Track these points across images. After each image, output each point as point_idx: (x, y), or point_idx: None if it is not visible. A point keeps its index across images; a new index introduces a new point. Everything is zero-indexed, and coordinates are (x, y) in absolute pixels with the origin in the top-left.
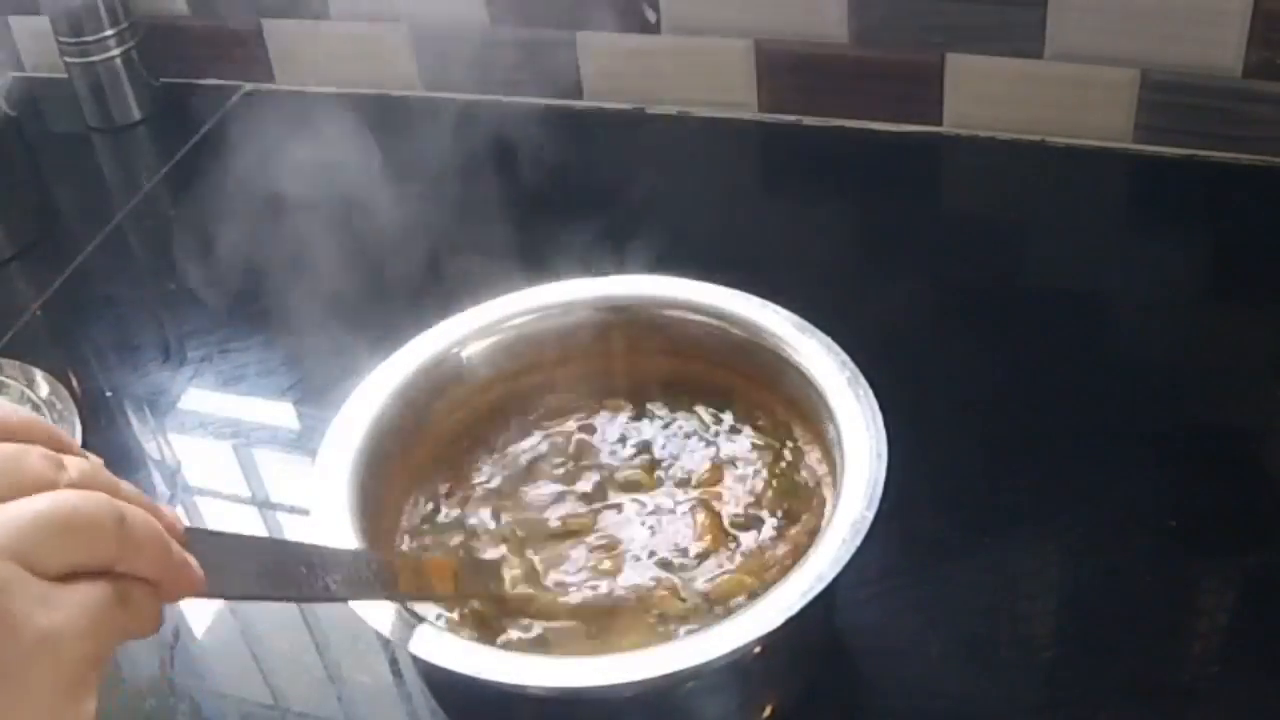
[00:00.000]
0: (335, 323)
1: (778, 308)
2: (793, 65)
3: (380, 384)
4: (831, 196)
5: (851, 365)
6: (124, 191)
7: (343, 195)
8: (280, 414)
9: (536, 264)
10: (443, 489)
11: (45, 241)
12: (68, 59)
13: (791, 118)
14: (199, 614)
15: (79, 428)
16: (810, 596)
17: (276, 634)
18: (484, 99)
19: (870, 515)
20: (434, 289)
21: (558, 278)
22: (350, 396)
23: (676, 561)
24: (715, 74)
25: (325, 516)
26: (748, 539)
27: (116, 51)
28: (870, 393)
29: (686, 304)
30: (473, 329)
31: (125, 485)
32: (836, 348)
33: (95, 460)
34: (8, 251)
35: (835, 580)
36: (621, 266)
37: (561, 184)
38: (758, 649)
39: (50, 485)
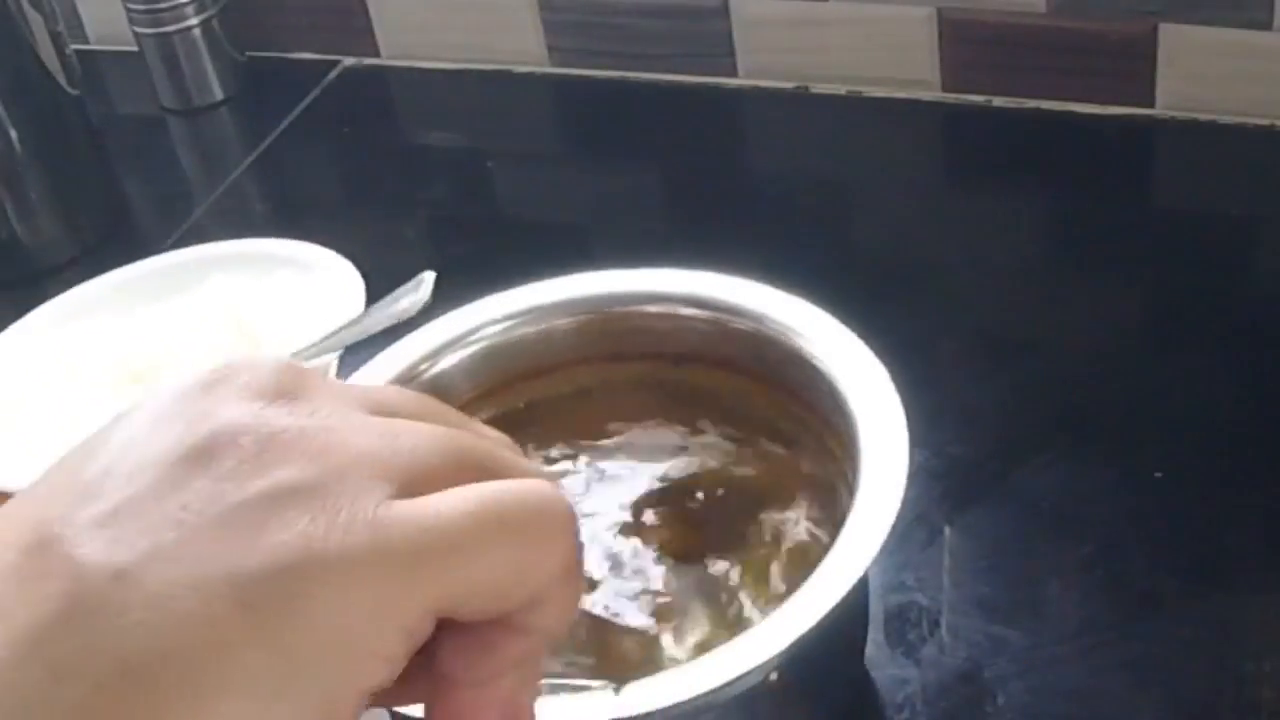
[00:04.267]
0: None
1: (818, 311)
2: (981, 37)
3: None
4: (1025, 189)
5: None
6: (204, 182)
7: (456, 183)
8: None
9: (664, 263)
10: None
11: (113, 239)
12: (138, 29)
13: (979, 98)
14: None
15: None
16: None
17: None
18: (621, 76)
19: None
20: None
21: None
22: None
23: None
24: (891, 48)
25: None
26: None
27: (195, 21)
28: (888, 380)
29: (708, 303)
30: (443, 340)
31: None
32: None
33: None
34: (71, 250)
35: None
36: (772, 273)
37: (709, 174)
38: (774, 675)
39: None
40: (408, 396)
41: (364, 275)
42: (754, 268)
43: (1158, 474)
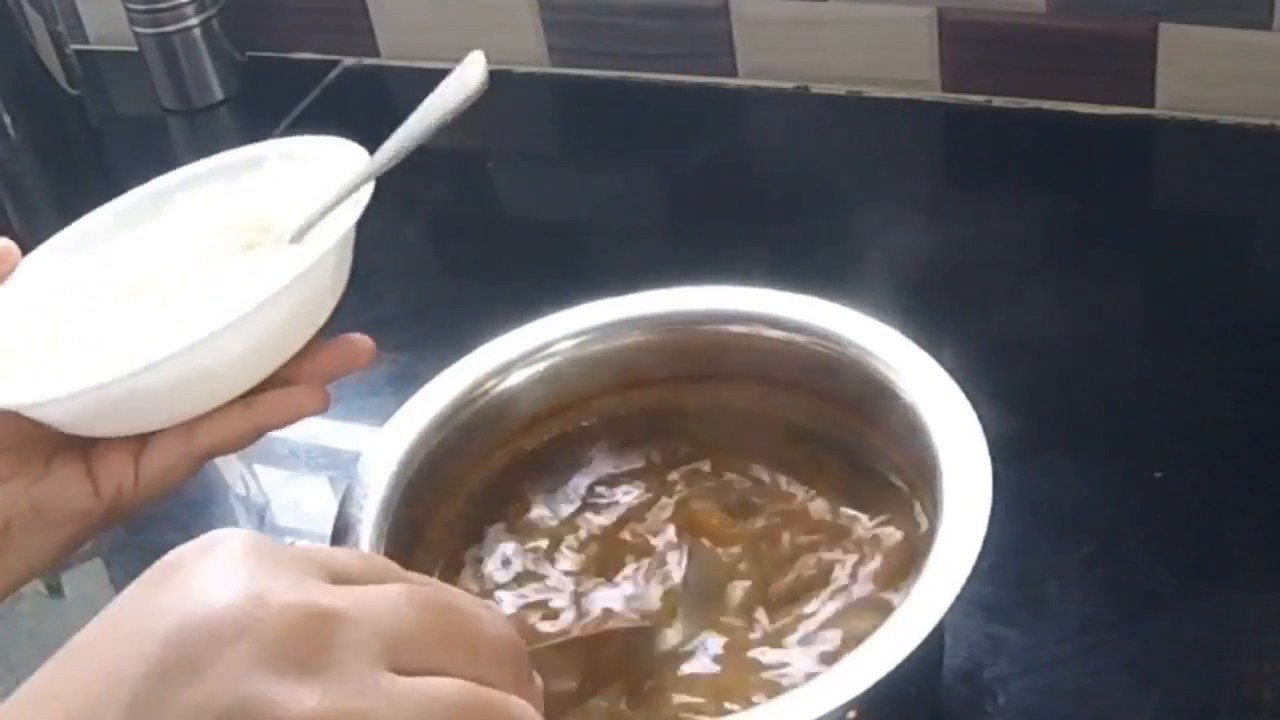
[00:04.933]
0: (426, 335)
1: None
2: (981, 37)
3: (406, 424)
4: (1025, 189)
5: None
6: None
7: (456, 186)
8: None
9: (671, 271)
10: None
11: None
12: (138, 29)
13: (979, 98)
14: None
15: None
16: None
17: None
18: (621, 76)
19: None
20: (541, 294)
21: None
22: (373, 439)
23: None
24: (891, 48)
25: None
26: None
27: (195, 21)
28: (974, 418)
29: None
30: (513, 357)
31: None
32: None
33: None
34: None
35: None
36: (772, 272)
37: (709, 174)
38: (851, 714)
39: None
40: (363, 561)
41: (364, 275)
42: (754, 267)
43: (1158, 474)
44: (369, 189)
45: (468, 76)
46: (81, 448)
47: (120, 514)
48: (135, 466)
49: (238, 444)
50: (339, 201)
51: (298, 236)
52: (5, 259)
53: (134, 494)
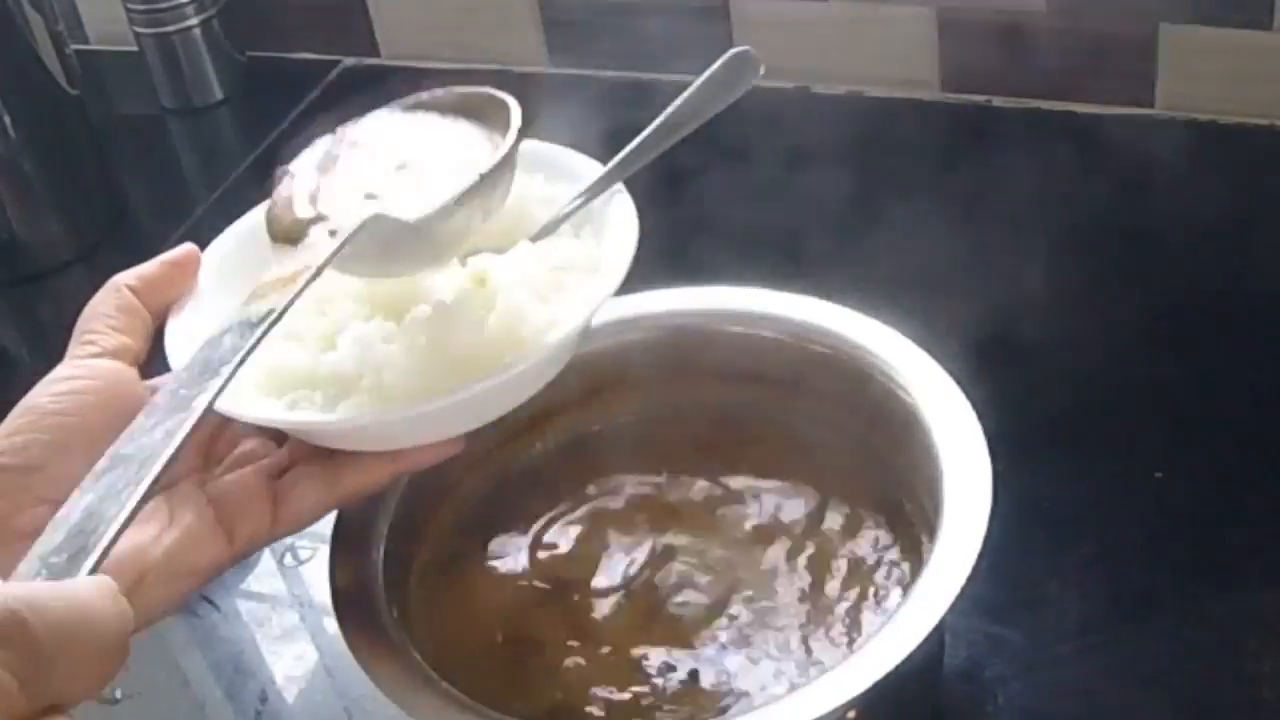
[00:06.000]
0: None
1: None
2: (981, 37)
3: None
4: (1025, 190)
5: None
6: (204, 182)
7: None
8: None
9: (671, 271)
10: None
11: (113, 240)
12: (138, 29)
13: (980, 98)
14: (290, 674)
15: None
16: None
17: (372, 697)
18: (622, 76)
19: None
20: None
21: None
22: None
23: None
24: (891, 48)
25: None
26: None
27: (195, 21)
28: (974, 418)
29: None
30: None
31: None
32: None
33: None
34: (70, 252)
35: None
36: (771, 273)
37: (708, 176)
38: (851, 714)
39: None
40: None
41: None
42: (754, 267)
43: (1158, 474)
44: (620, 189)
45: (738, 76)
46: (217, 497)
47: (249, 556)
48: (273, 513)
49: (377, 488)
50: (584, 201)
51: (541, 235)
52: (189, 264)
53: (267, 538)
